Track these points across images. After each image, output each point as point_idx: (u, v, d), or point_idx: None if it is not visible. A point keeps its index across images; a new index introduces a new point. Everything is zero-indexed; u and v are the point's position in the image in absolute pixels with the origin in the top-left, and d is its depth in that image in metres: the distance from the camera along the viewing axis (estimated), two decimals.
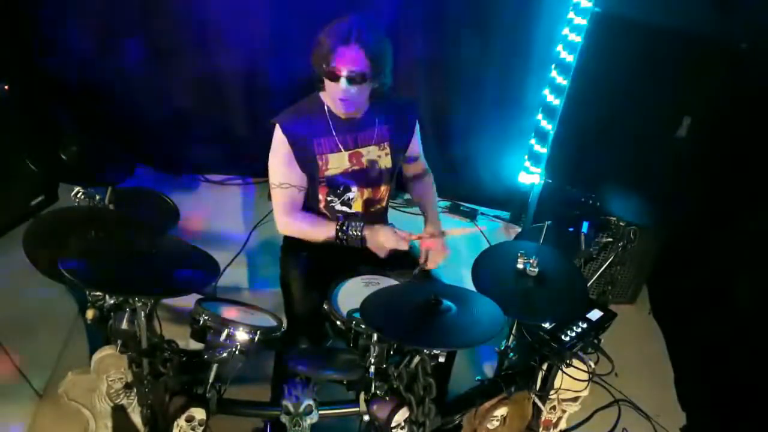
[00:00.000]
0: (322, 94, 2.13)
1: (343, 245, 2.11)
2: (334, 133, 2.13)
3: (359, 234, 2.08)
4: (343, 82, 1.96)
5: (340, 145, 2.14)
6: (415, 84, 3.40)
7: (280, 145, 2.10)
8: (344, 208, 2.23)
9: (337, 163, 2.15)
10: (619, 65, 2.84)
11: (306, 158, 2.11)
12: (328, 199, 2.20)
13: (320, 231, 2.12)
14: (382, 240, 2.07)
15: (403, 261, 2.21)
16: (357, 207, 2.24)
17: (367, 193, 2.23)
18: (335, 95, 2.02)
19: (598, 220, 2.79)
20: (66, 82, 3.29)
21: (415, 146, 2.34)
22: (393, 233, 2.07)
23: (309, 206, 2.20)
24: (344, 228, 2.09)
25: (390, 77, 2.08)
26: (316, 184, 2.16)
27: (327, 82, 2.01)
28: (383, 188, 2.27)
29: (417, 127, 2.31)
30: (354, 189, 2.20)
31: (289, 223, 2.15)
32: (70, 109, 3.29)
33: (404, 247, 2.08)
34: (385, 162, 2.23)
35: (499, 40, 3.26)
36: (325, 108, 2.12)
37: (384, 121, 2.19)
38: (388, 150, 2.23)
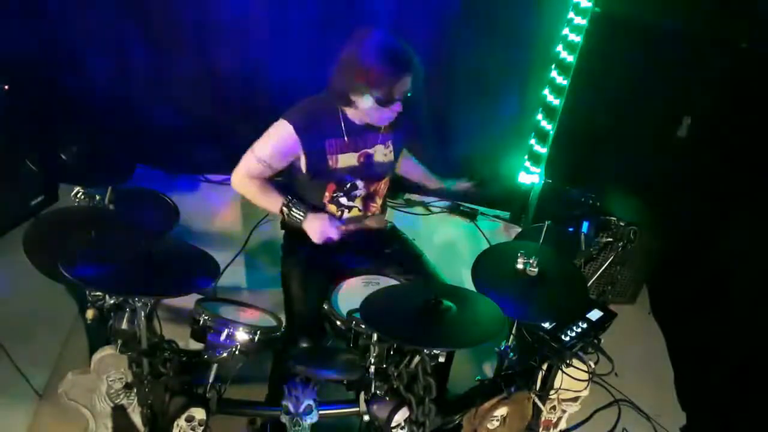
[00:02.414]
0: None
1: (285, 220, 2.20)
2: (346, 136, 2.16)
3: (302, 216, 2.15)
4: (398, 105, 2.04)
5: (350, 146, 2.18)
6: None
7: (284, 138, 2.12)
8: (349, 203, 2.27)
9: (346, 162, 2.19)
10: (619, 65, 2.84)
11: (317, 157, 2.14)
12: (334, 195, 2.24)
13: (267, 200, 2.20)
14: (318, 225, 2.14)
15: (402, 260, 2.28)
16: (359, 201, 2.29)
17: (371, 187, 2.28)
18: (384, 113, 2.07)
19: (598, 220, 2.78)
20: (66, 82, 3.29)
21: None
22: (330, 223, 2.16)
23: (312, 199, 2.23)
24: (289, 206, 2.16)
25: None
26: (324, 180, 2.20)
27: (372, 102, 2.02)
28: (385, 181, 2.33)
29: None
30: (360, 185, 2.24)
31: (245, 183, 2.21)
32: (71, 110, 3.29)
33: (335, 236, 2.15)
34: (389, 158, 2.28)
35: (500, 40, 3.25)
36: (339, 112, 2.14)
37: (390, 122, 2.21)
38: (392, 148, 2.28)
